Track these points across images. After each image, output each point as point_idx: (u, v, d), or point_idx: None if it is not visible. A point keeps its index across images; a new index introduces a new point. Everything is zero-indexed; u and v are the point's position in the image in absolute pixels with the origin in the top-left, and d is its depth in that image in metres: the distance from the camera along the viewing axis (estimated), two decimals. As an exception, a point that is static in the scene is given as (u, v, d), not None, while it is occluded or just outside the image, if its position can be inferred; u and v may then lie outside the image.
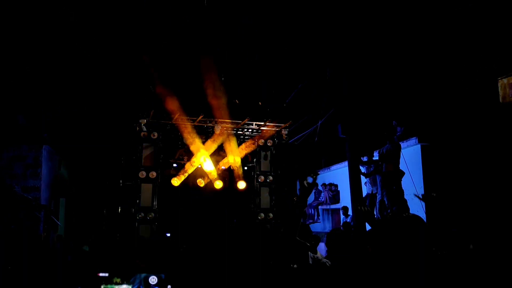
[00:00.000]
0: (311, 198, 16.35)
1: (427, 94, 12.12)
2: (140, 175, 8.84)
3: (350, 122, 10.69)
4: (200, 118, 9.24)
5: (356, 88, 10.89)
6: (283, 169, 9.73)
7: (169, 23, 11.48)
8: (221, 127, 9.39)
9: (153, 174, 8.90)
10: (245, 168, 9.59)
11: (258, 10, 12.07)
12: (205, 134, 9.49)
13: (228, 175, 9.73)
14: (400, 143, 9.85)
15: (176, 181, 9.03)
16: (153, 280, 3.31)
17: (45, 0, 11.13)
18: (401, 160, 9.42)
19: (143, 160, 9.01)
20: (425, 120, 11.59)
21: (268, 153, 9.80)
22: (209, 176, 9.30)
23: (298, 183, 10.47)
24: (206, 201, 9.31)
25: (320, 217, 15.76)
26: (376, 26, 11.35)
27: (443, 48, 11.71)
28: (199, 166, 9.31)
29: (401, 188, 9.31)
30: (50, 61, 11.94)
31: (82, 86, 12.79)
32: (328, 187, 15.38)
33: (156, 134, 9.08)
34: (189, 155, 9.32)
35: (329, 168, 16.73)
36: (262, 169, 9.68)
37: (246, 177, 9.55)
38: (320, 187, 15.93)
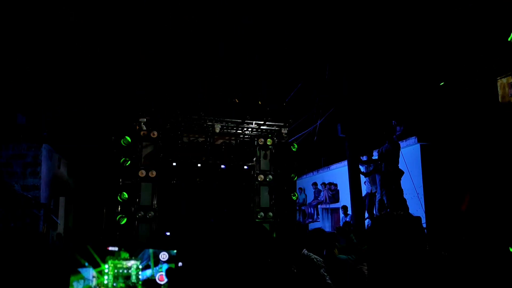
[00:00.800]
0: (310, 197, 16.38)
1: (426, 93, 12.15)
2: (139, 174, 8.85)
3: (349, 121, 10.71)
4: (199, 117, 9.26)
5: (356, 88, 10.91)
6: (282, 168, 9.74)
7: (169, 23, 11.49)
8: (221, 126, 9.43)
9: (152, 173, 8.90)
10: (245, 167, 9.60)
11: (258, 10, 12.09)
12: (205, 133, 9.50)
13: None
14: (400, 142, 9.86)
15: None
16: (163, 256, 3.19)
17: (45, 0, 11.14)
18: (401, 159, 9.44)
19: (142, 159, 9.02)
20: (425, 120, 11.61)
21: (268, 152, 9.83)
22: None
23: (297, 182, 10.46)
24: (205, 201, 9.30)
25: (320, 216, 15.79)
26: (376, 26, 11.36)
27: (442, 48, 11.73)
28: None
29: (401, 187, 9.33)
30: (50, 60, 11.95)
31: (82, 85, 12.81)
32: (327, 186, 15.40)
33: (156, 133, 9.08)
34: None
35: (329, 167, 16.77)
36: (261, 168, 9.70)
37: (245, 176, 9.56)
38: (319, 186, 15.96)
